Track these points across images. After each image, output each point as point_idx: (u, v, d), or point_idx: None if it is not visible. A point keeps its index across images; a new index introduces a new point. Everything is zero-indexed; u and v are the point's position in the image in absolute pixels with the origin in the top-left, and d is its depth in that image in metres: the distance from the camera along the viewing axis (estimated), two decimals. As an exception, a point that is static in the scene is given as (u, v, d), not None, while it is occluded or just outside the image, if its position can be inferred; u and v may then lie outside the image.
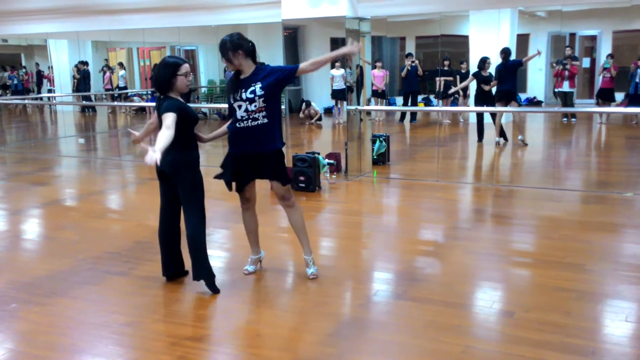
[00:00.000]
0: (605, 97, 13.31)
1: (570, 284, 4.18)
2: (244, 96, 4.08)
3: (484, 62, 10.65)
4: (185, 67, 4.12)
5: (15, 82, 22.05)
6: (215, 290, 4.11)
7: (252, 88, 4.06)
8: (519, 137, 10.71)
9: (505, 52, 10.43)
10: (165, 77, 4.06)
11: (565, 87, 13.21)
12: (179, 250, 4.40)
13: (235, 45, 4.08)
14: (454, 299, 3.94)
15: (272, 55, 15.11)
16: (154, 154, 3.50)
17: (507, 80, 10.30)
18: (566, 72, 13.11)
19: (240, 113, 4.11)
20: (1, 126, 14.36)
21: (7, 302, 4.03)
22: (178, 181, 4.14)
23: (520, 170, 9.02)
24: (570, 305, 3.83)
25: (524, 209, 6.54)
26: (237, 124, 4.14)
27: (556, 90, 13.55)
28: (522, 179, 8.27)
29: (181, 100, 4.14)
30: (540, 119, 14.87)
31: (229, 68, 4.19)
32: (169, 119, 3.83)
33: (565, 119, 13.89)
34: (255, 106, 4.07)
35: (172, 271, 4.39)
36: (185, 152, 4.10)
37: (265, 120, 4.11)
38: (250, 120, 4.10)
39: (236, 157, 4.26)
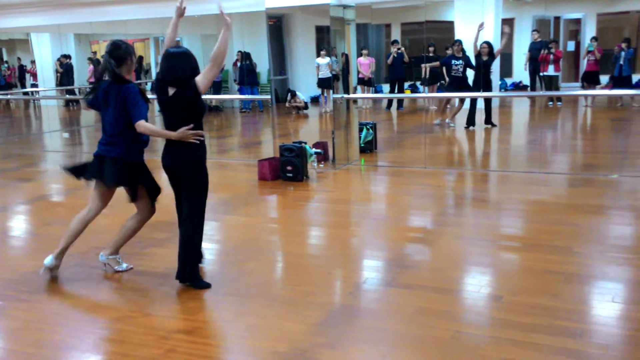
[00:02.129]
0: (590, 80, 13.37)
1: (558, 266, 4.21)
2: None
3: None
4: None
5: (-2, 77, 21.75)
6: (203, 285, 4.07)
7: None
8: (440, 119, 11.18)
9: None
10: (194, 68, 3.96)
11: (551, 70, 13.26)
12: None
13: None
14: (443, 285, 3.96)
15: (256, 45, 15.04)
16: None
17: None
18: (551, 56, 13.15)
19: None
20: (-16, 122, 14.19)
21: (-5, 300, 4.00)
22: (197, 179, 4.03)
23: (507, 155, 9.05)
24: (558, 287, 3.86)
25: (511, 193, 6.58)
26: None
27: (541, 74, 13.59)
28: (509, 164, 8.31)
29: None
30: (526, 103, 14.93)
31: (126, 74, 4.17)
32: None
33: (551, 103, 13.95)
34: None
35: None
36: (201, 149, 3.99)
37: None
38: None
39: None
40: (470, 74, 10.94)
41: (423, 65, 13.73)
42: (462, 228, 5.29)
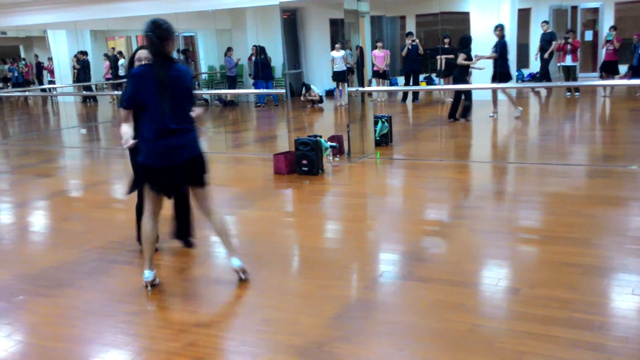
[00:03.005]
0: (609, 69, 13.20)
1: (576, 258, 4.16)
2: None
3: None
4: (140, 53, 4.14)
5: (16, 74, 22.02)
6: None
7: None
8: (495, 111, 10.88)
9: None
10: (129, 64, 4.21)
11: (568, 61, 13.10)
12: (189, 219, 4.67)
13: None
14: (460, 278, 3.94)
15: (271, 39, 15.03)
16: None
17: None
18: (568, 46, 12.99)
19: None
20: (3, 119, 14.37)
21: (15, 294, 4.06)
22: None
23: (524, 147, 8.97)
24: (577, 280, 3.82)
25: (528, 185, 6.52)
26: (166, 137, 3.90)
27: (559, 64, 13.44)
28: (526, 155, 8.23)
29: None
30: (543, 94, 14.76)
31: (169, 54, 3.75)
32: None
33: (568, 93, 13.79)
34: None
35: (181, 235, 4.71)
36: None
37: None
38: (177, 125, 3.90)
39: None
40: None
41: (438, 57, 13.61)
42: (479, 221, 5.26)
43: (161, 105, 3.64)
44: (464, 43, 10.71)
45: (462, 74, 10.70)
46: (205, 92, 16.43)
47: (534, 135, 9.92)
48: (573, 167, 7.13)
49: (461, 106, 10.81)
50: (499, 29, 10.75)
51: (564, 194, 6.01)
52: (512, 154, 8.47)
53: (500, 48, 10.74)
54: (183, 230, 4.72)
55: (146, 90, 3.66)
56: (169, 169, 3.74)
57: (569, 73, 13.18)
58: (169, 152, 3.71)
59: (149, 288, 3.95)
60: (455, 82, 10.97)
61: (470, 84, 11.48)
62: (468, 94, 10.87)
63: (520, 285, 3.79)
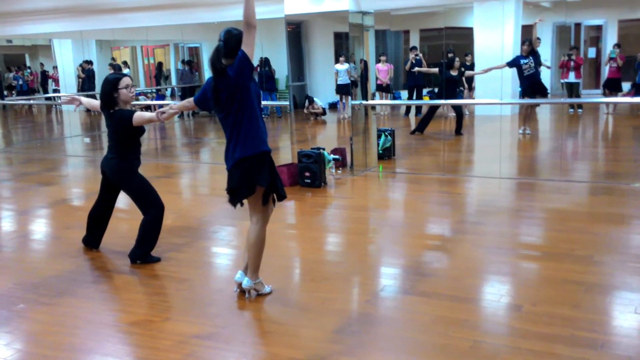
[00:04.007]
0: (612, 87, 13.22)
1: (579, 276, 4.15)
2: None
3: (452, 62, 10.95)
4: (125, 80, 4.52)
5: (21, 82, 22.11)
6: (153, 260, 4.66)
7: None
8: (524, 128, 10.78)
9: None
10: (107, 93, 4.51)
11: (571, 77, 13.13)
12: (104, 229, 5.08)
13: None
14: (462, 294, 3.93)
15: (275, 51, 15.10)
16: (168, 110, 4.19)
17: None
18: (572, 63, 13.03)
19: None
20: (7, 127, 14.41)
21: (15, 302, 4.05)
22: (122, 186, 4.74)
23: (527, 162, 8.97)
24: (579, 297, 3.80)
25: (531, 201, 6.51)
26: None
27: (562, 81, 13.47)
28: (529, 171, 8.23)
29: (130, 110, 4.58)
30: (546, 110, 14.78)
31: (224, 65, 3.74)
32: (143, 114, 4.52)
33: (571, 110, 13.81)
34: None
35: (93, 244, 5.07)
36: (128, 160, 4.64)
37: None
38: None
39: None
40: (546, 73, 10.73)
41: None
42: (481, 236, 5.25)
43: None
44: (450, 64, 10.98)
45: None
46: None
47: (536, 151, 9.92)
48: (575, 183, 7.13)
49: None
50: (527, 44, 10.62)
51: (566, 210, 6.00)
52: (515, 169, 8.46)
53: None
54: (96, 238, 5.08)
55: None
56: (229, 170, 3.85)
57: (572, 90, 13.20)
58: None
59: (236, 289, 4.02)
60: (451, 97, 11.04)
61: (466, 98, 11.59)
62: (458, 108, 11.03)
63: (523, 302, 3.77)
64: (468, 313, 3.66)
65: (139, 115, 4.52)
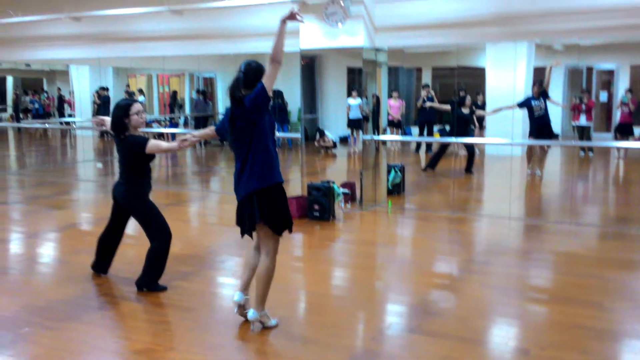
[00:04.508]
0: (624, 131, 13.23)
1: (588, 321, 4.10)
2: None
3: (463, 100, 10.94)
4: (137, 107, 4.60)
5: (37, 106, 22.43)
6: (159, 288, 4.65)
7: None
8: (533, 169, 10.77)
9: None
10: (118, 118, 4.57)
11: (583, 120, 13.16)
12: (113, 255, 5.08)
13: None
14: (469, 335, 3.89)
15: (289, 84, 15.28)
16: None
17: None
18: (583, 106, 13.08)
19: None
20: (22, 150, 14.58)
21: (21, 325, 4.04)
22: (131, 212, 4.76)
23: (538, 204, 8.94)
24: (588, 343, 3.75)
25: (540, 243, 6.47)
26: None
27: (573, 124, 13.51)
28: (539, 213, 8.20)
29: (142, 136, 4.65)
30: (557, 153, 14.79)
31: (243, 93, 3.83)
32: (159, 143, 4.62)
33: (582, 153, 13.81)
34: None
35: (101, 270, 5.08)
36: (138, 186, 4.69)
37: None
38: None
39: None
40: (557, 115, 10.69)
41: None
42: (490, 277, 5.21)
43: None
44: (462, 101, 11.04)
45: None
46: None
47: (547, 193, 9.90)
48: (586, 227, 7.09)
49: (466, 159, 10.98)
50: (537, 85, 10.67)
51: (576, 254, 5.96)
52: (525, 210, 8.44)
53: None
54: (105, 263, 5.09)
55: None
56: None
57: (583, 133, 13.22)
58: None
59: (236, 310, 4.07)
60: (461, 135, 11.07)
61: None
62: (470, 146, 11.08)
63: (530, 346, 3.73)
64: (475, 355, 3.61)
65: (155, 145, 4.56)
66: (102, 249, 5.07)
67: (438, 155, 11.34)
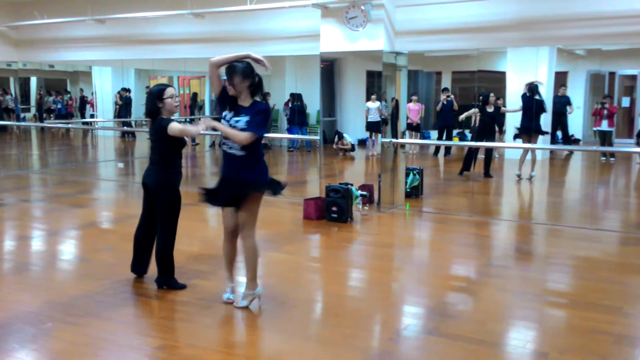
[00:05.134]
0: (646, 137, 13.07)
1: (607, 326, 4.07)
2: (232, 121, 4.15)
3: (487, 98, 10.87)
4: (170, 91, 4.60)
5: (59, 106, 22.74)
6: (178, 286, 4.68)
7: (240, 118, 4.13)
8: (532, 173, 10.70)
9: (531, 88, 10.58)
10: (152, 103, 4.58)
11: (604, 126, 13.02)
12: (150, 253, 4.94)
13: (246, 74, 4.17)
14: (487, 337, 3.88)
15: (309, 86, 15.34)
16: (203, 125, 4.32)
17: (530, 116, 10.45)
18: (605, 111, 12.94)
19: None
20: (44, 149, 14.80)
21: (43, 321, 4.12)
22: (157, 199, 4.72)
23: (557, 209, 8.87)
24: (607, 348, 3.73)
25: (560, 248, 6.43)
26: (222, 146, 4.27)
27: (594, 129, 13.37)
28: (559, 218, 8.14)
29: (168, 118, 4.60)
30: (578, 158, 14.65)
31: (230, 92, 4.20)
32: (178, 125, 4.51)
33: (603, 158, 13.66)
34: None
35: (140, 270, 5.01)
36: (168, 173, 4.66)
37: (239, 153, 4.15)
38: (227, 147, 4.20)
39: (220, 179, 4.36)
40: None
41: (463, 116, 13.46)
42: (508, 280, 5.19)
43: None
44: (485, 100, 11.00)
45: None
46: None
47: (567, 197, 9.81)
48: (606, 232, 7.02)
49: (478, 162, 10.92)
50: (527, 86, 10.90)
51: (596, 259, 5.91)
52: (544, 215, 8.38)
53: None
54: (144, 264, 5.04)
55: None
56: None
57: (605, 138, 13.08)
58: None
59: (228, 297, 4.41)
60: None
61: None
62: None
63: (549, 350, 3.71)
64: (492, 358, 3.61)
65: (174, 126, 4.48)
66: (139, 247, 4.97)
67: (470, 157, 11.16)
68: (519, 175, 10.69)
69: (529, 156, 10.91)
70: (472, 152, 11.25)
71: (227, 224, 4.38)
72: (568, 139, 13.49)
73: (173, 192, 4.70)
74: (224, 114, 4.24)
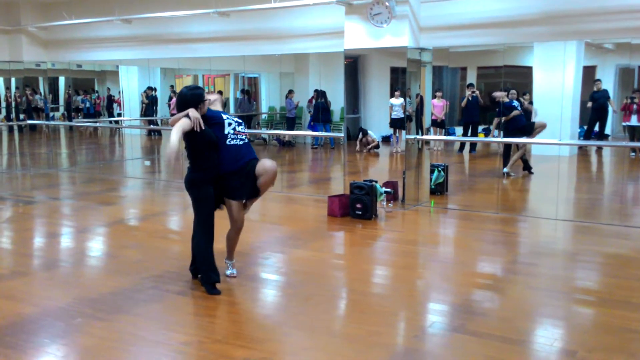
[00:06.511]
0: (677, 131, 12.79)
1: (637, 324, 4.01)
2: (234, 124, 4.76)
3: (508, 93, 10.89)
4: (207, 96, 4.87)
5: (87, 105, 23.11)
6: (213, 292, 4.61)
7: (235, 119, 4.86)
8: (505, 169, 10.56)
9: None
10: (186, 107, 4.67)
11: (634, 120, 12.77)
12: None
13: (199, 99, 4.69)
14: (514, 335, 3.85)
15: (332, 83, 15.34)
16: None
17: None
18: (634, 106, 12.69)
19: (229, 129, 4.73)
20: (73, 147, 15.06)
21: (73, 316, 4.20)
22: (190, 196, 4.82)
23: (585, 205, 8.74)
24: (636, 347, 3.67)
25: (588, 245, 6.33)
26: (228, 141, 4.70)
27: (624, 124, 13.13)
28: (587, 214, 8.01)
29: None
30: (607, 153, 14.40)
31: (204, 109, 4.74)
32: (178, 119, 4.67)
33: (633, 154, 13.40)
34: (242, 128, 4.83)
35: (192, 270, 5.01)
36: (197, 173, 4.72)
37: (246, 140, 4.83)
38: (239, 139, 4.77)
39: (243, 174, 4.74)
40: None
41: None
42: (535, 278, 5.13)
43: None
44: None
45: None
46: (263, 132, 16.81)
47: (596, 194, 9.66)
48: (636, 229, 6.89)
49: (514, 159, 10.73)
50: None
51: (625, 256, 5.81)
52: (572, 211, 8.26)
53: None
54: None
55: None
56: None
57: (635, 133, 12.83)
58: None
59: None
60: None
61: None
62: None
63: (577, 348, 3.66)
64: (519, 355, 3.58)
65: (174, 119, 4.64)
66: (192, 247, 4.93)
67: (507, 154, 10.97)
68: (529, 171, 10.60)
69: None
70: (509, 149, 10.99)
71: (242, 217, 4.90)
72: (603, 135, 13.19)
73: (200, 188, 4.68)
74: (226, 119, 4.79)
